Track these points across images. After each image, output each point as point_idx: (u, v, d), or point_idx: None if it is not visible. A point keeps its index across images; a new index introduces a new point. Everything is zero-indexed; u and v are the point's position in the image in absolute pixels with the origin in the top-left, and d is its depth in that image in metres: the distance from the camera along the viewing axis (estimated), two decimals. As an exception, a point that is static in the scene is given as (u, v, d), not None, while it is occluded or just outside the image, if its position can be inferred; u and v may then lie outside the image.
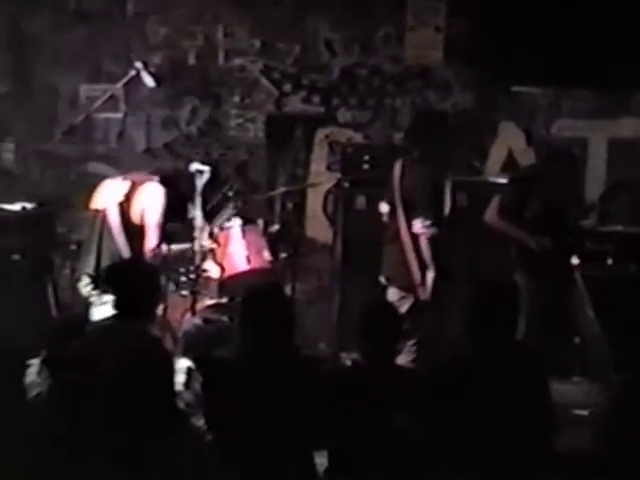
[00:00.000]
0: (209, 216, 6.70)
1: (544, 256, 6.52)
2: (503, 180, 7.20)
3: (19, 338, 5.77)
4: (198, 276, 6.51)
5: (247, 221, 6.84)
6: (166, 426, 4.43)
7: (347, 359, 6.65)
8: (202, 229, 6.51)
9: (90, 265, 6.20)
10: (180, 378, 5.16)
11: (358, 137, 8.32)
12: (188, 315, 6.43)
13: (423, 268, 6.26)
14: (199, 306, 6.49)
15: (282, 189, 7.87)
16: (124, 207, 6.23)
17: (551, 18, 7.62)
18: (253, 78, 8.36)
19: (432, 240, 6.23)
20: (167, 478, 4.42)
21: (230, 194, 7.09)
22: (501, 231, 6.65)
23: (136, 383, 4.39)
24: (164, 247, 6.24)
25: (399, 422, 4.49)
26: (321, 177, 8.21)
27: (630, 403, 3.96)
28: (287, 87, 8.34)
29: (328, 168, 8.31)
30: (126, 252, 6.14)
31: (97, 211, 6.31)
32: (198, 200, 6.52)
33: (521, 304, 6.28)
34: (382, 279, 6.50)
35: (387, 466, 4.44)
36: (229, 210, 6.84)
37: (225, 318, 6.29)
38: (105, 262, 6.06)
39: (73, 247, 6.45)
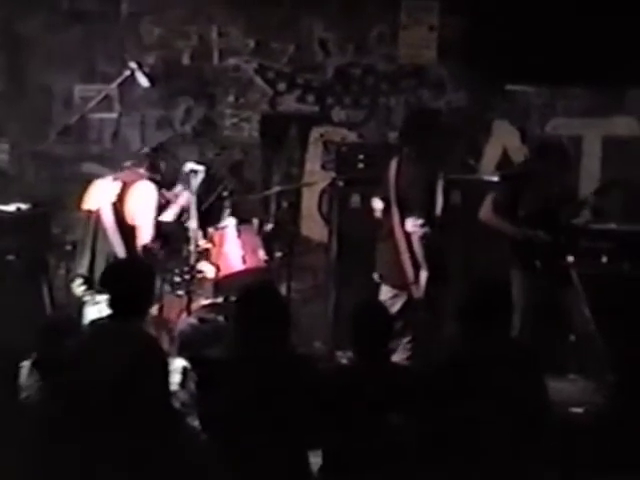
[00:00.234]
0: (204, 216, 6.71)
1: (539, 253, 6.52)
2: (496, 178, 7.21)
3: (14, 339, 5.77)
4: (193, 276, 6.52)
5: (242, 220, 6.85)
6: (161, 426, 4.44)
7: (343, 357, 6.66)
8: (197, 229, 6.51)
9: (84, 266, 6.20)
10: (176, 378, 5.17)
11: (352, 136, 8.32)
12: (184, 315, 6.44)
13: (416, 267, 6.27)
14: (195, 306, 6.50)
15: (277, 188, 7.88)
16: (117, 207, 6.24)
17: (545, 17, 7.62)
18: (247, 78, 8.36)
19: (425, 239, 6.24)
20: (163, 478, 4.42)
21: (225, 194, 7.10)
22: (496, 228, 6.65)
23: (131, 382, 4.39)
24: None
25: (393, 421, 4.49)
26: (316, 176, 8.21)
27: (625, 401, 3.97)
28: (281, 86, 8.34)
29: (323, 167, 8.31)
30: (121, 252, 6.14)
31: (90, 212, 6.31)
32: (193, 200, 6.53)
33: (516, 301, 6.35)
34: (375, 277, 6.51)
35: (381, 465, 4.44)
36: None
37: (221, 318, 6.29)
38: (99, 263, 6.07)
39: (68, 248, 6.45)
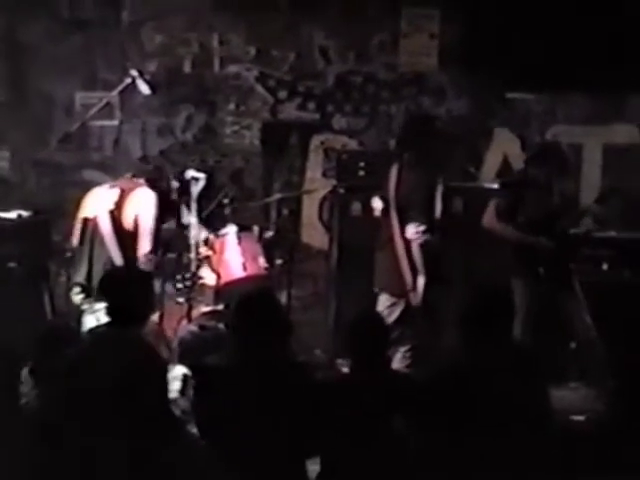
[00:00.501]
0: (204, 223, 6.71)
1: (541, 260, 6.52)
2: (496, 185, 7.21)
3: (15, 345, 5.76)
4: (194, 283, 6.52)
5: (243, 228, 6.85)
6: (161, 433, 4.43)
7: (343, 365, 6.65)
8: (198, 236, 6.51)
9: (82, 274, 6.19)
10: (176, 385, 5.16)
11: (353, 144, 8.33)
12: (184, 322, 6.43)
13: (414, 273, 6.26)
14: (195, 313, 6.49)
15: (277, 196, 7.88)
16: (115, 215, 6.22)
17: (545, 24, 7.63)
18: (248, 85, 8.37)
19: (425, 246, 6.23)
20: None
21: (226, 201, 7.11)
22: (499, 235, 6.63)
23: (129, 390, 4.38)
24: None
25: (392, 428, 4.49)
26: (316, 184, 8.22)
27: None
28: (282, 94, 8.36)
29: (323, 175, 8.32)
30: (119, 260, 6.13)
31: (87, 220, 6.30)
32: (193, 207, 6.53)
33: (517, 308, 6.34)
34: (374, 285, 6.51)
35: (380, 473, 4.44)
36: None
37: (221, 325, 6.29)
38: (97, 270, 6.06)
39: (69, 255, 6.45)
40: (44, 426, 4.48)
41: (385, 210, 6.41)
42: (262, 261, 6.81)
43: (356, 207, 7.65)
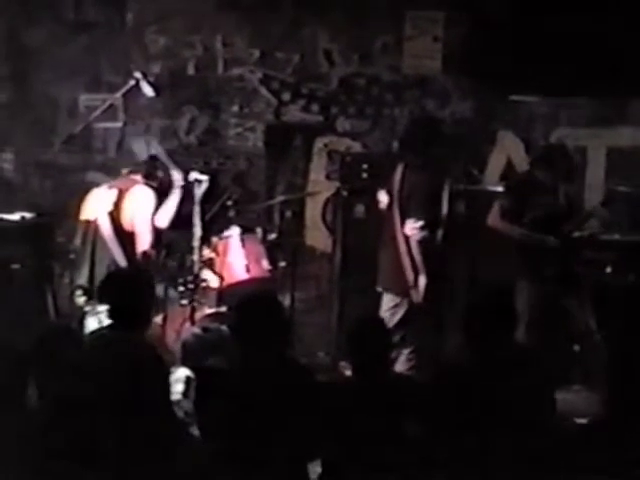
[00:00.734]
0: (208, 225, 6.72)
1: (546, 261, 6.50)
2: (501, 188, 7.21)
3: (19, 347, 5.76)
4: (197, 285, 6.52)
5: (246, 230, 6.85)
6: (163, 435, 4.43)
7: (346, 368, 6.65)
8: (201, 238, 6.52)
9: (83, 276, 6.20)
10: (179, 387, 5.16)
11: (357, 146, 8.33)
12: (187, 324, 6.43)
13: (416, 272, 6.26)
14: (198, 315, 6.49)
15: (281, 198, 7.89)
16: (114, 215, 6.23)
17: (549, 28, 7.63)
18: (252, 87, 8.38)
19: (425, 245, 6.23)
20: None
21: (229, 203, 7.11)
22: (504, 234, 6.62)
23: (131, 392, 4.38)
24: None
25: (395, 431, 4.49)
26: (320, 186, 8.22)
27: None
28: (286, 96, 8.36)
29: (327, 177, 8.32)
30: (121, 260, 6.14)
31: (88, 222, 6.30)
32: (197, 209, 6.53)
33: (521, 310, 6.34)
34: (378, 285, 6.51)
35: (382, 475, 4.43)
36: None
37: (224, 327, 6.29)
38: (99, 272, 6.06)
39: (72, 256, 6.46)
40: (46, 428, 4.47)
41: (389, 205, 6.41)
42: (265, 263, 6.81)
43: (359, 209, 7.65)
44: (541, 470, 4.43)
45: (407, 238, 6.26)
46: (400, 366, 6.11)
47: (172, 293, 6.62)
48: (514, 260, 6.64)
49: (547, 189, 6.54)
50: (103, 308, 4.94)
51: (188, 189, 6.58)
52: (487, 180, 8.08)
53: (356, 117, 8.33)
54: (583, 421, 5.52)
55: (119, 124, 8.20)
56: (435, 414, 4.57)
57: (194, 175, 6.66)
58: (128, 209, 6.25)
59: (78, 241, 6.35)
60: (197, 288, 6.53)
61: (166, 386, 4.64)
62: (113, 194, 6.30)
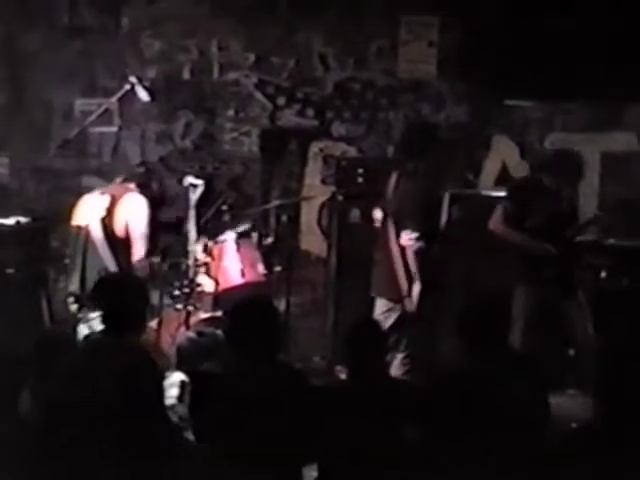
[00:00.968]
0: (203, 230, 6.71)
1: (545, 267, 6.50)
2: (499, 192, 7.22)
3: (14, 352, 5.76)
4: (192, 290, 6.51)
5: (241, 234, 6.85)
6: (157, 440, 4.42)
7: (341, 372, 6.65)
8: (196, 242, 6.52)
9: (75, 283, 6.19)
10: (173, 392, 5.16)
11: (352, 150, 8.33)
12: (182, 329, 6.43)
13: (410, 280, 6.26)
14: (193, 320, 6.49)
15: (276, 202, 7.88)
16: (106, 222, 6.21)
17: (544, 32, 7.64)
18: (247, 92, 8.38)
19: (420, 253, 6.23)
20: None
21: (224, 208, 7.11)
22: (505, 239, 6.62)
23: (124, 398, 4.37)
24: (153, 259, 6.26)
25: (391, 435, 4.49)
26: (315, 190, 8.22)
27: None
28: (281, 101, 8.36)
29: (322, 181, 8.32)
30: (113, 267, 6.13)
31: (79, 228, 6.29)
32: (192, 214, 6.53)
33: (519, 314, 6.35)
34: (371, 290, 6.51)
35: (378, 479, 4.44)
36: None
37: (219, 331, 6.28)
38: (91, 279, 6.02)
39: (67, 261, 6.45)
40: (40, 434, 4.47)
41: (384, 218, 6.42)
42: (261, 268, 6.80)
43: (355, 214, 7.66)
44: (536, 475, 4.44)
45: (402, 247, 6.26)
46: (394, 370, 6.11)
47: (167, 298, 6.61)
48: (513, 264, 6.64)
49: (551, 194, 6.53)
50: (95, 315, 4.93)
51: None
52: (482, 185, 8.09)
53: (351, 122, 8.34)
54: (577, 425, 5.53)
55: (114, 129, 8.20)
56: (430, 418, 4.58)
57: (189, 179, 6.66)
58: (121, 216, 6.23)
59: (70, 247, 6.33)
60: (192, 292, 6.52)
61: (160, 391, 4.63)
62: (105, 200, 6.28)
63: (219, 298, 6.68)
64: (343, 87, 8.33)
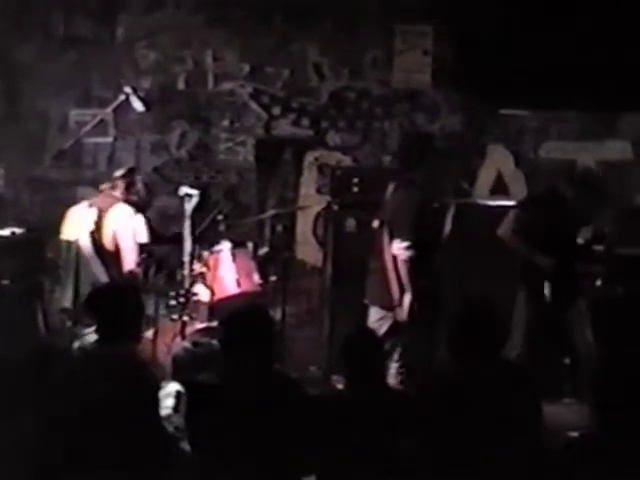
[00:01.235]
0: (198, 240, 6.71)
1: (549, 277, 6.51)
2: (498, 202, 7.25)
3: (9, 363, 5.74)
4: (188, 300, 6.51)
5: (237, 244, 6.85)
6: (153, 451, 4.41)
7: (338, 382, 6.64)
8: (191, 252, 6.51)
9: (68, 298, 6.17)
10: (169, 402, 5.15)
11: (347, 160, 8.33)
12: (178, 339, 6.42)
13: (402, 289, 6.26)
14: (189, 330, 6.48)
15: (272, 212, 7.88)
16: (95, 236, 6.20)
17: (539, 41, 7.65)
18: (242, 102, 8.38)
19: (412, 262, 6.22)
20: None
21: (220, 217, 7.11)
22: (511, 247, 6.62)
23: (120, 408, 4.36)
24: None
25: (388, 445, 4.48)
26: (311, 200, 8.22)
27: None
28: (276, 110, 8.37)
29: (318, 191, 8.32)
30: (105, 280, 6.13)
31: (69, 242, 6.27)
32: (187, 224, 6.53)
33: (518, 322, 6.35)
34: (365, 298, 6.51)
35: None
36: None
37: (215, 341, 6.27)
38: (84, 294, 5.99)
39: (62, 272, 6.44)
40: (35, 443, 4.46)
41: (380, 226, 6.43)
42: (256, 277, 6.81)
43: (350, 223, 7.66)
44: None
45: (394, 256, 6.26)
46: (390, 379, 6.10)
47: (163, 308, 6.61)
48: (514, 272, 6.65)
49: (565, 208, 6.52)
50: (89, 330, 4.92)
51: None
52: (477, 193, 8.10)
53: (346, 131, 8.34)
54: (574, 434, 5.53)
55: (109, 139, 8.20)
56: (426, 427, 4.57)
57: (185, 189, 6.66)
58: (109, 228, 6.22)
59: (61, 262, 6.31)
60: (188, 302, 6.52)
61: (155, 401, 4.62)
62: (93, 213, 6.26)
63: (215, 308, 6.68)
64: (338, 97, 8.33)
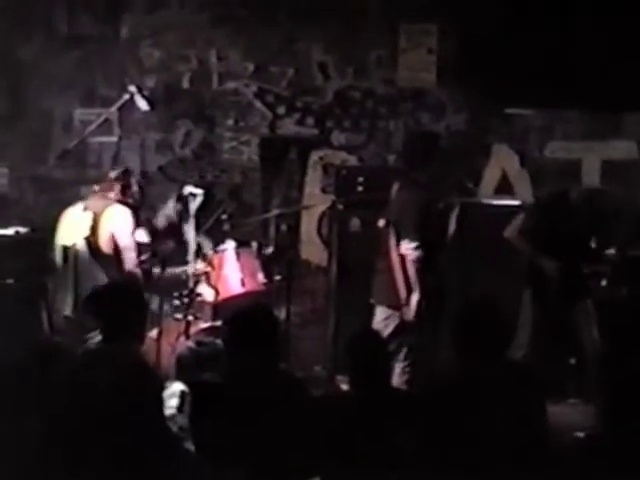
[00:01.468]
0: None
1: (555, 279, 6.50)
2: (504, 201, 7.24)
3: (12, 362, 5.74)
4: (192, 299, 6.50)
5: (241, 244, 6.84)
6: (157, 451, 4.40)
7: (342, 382, 6.63)
8: (196, 252, 6.50)
9: (68, 306, 6.14)
10: (173, 402, 5.14)
11: (352, 159, 8.32)
12: (182, 339, 6.41)
13: (409, 289, 6.25)
14: (193, 329, 6.48)
15: (276, 211, 7.87)
16: (91, 240, 6.14)
17: (544, 40, 7.64)
18: (247, 101, 8.38)
19: (420, 262, 6.22)
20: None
21: (224, 217, 7.10)
22: (517, 248, 6.62)
23: (123, 409, 4.35)
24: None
25: (391, 446, 4.47)
26: (315, 199, 8.21)
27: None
28: (281, 110, 8.36)
29: (322, 190, 8.31)
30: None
31: (66, 248, 6.23)
32: (192, 223, 6.52)
33: (524, 322, 6.35)
34: (372, 298, 6.50)
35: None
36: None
37: (219, 341, 6.26)
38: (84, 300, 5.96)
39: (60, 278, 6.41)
40: (39, 444, 4.46)
41: (386, 226, 6.42)
42: (261, 277, 6.80)
43: (355, 223, 7.65)
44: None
45: (402, 256, 6.25)
46: (395, 379, 6.10)
47: (167, 307, 6.60)
48: (520, 272, 6.64)
49: (577, 212, 6.52)
50: (93, 334, 4.90)
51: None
52: (482, 193, 8.08)
53: (351, 130, 8.33)
54: (580, 435, 5.52)
55: (114, 138, 8.14)
56: (430, 427, 4.56)
57: (189, 189, 6.65)
58: (105, 230, 6.15)
59: (59, 268, 6.27)
60: (192, 302, 6.51)
61: (159, 401, 4.61)
62: (88, 217, 6.19)
63: (219, 307, 6.67)
64: (343, 96, 8.32)
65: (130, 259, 6.15)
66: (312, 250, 8.29)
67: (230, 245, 6.75)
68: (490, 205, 7.61)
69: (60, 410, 4.47)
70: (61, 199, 8.08)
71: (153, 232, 6.64)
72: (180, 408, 5.15)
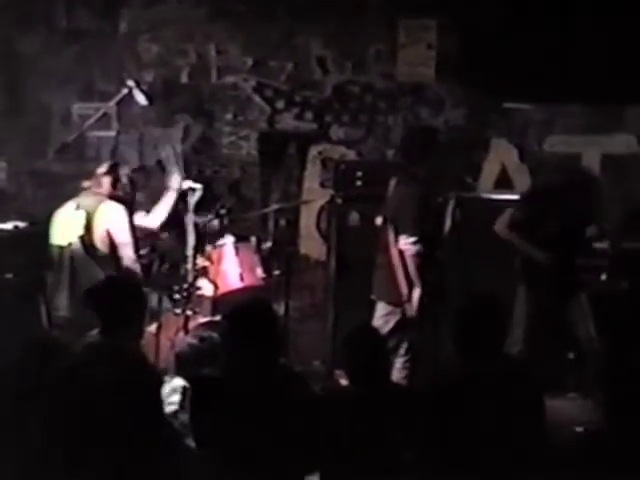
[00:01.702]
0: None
1: (549, 271, 6.49)
2: (501, 195, 7.22)
3: (11, 357, 5.74)
4: (191, 294, 6.50)
5: (240, 238, 6.84)
6: (157, 447, 4.40)
7: (341, 376, 6.63)
8: (195, 246, 6.50)
9: (64, 307, 6.11)
10: (175, 398, 5.13)
11: (351, 154, 8.32)
12: (181, 334, 6.41)
13: (410, 284, 6.25)
14: (192, 324, 6.48)
15: (275, 206, 7.87)
16: (86, 239, 6.09)
17: (543, 34, 7.63)
18: (246, 95, 8.37)
19: (419, 257, 6.21)
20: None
21: (223, 212, 7.10)
22: (508, 242, 6.62)
23: (122, 404, 4.35)
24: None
25: (391, 442, 4.47)
26: (314, 194, 8.21)
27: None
28: (280, 104, 8.35)
29: (321, 185, 8.31)
30: None
31: (61, 247, 6.20)
32: (191, 217, 6.52)
33: (519, 318, 6.34)
34: (372, 294, 6.50)
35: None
36: None
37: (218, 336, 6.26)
38: (80, 301, 5.92)
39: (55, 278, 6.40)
40: (38, 439, 4.46)
41: (384, 221, 6.42)
42: (260, 272, 6.80)
43: (354, 217, 7.65)
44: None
45: (401, 251, 6.25)
46: (395, 374, 6.10)
47: (166, 302, 6.60)
48: (515, 267, 6.63)
49: (566, 204, 6.50)
50: (92, 334, 4.89)
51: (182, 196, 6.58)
52: (481, 187, 8.08)
53: (350, 125, 8.33)
54: (579, 429, 5.52)
55: (113, 133, 8.15)
56: (429, 423, 4.56)
57: (188, 183, 6.64)
58: (100, 228, 6.09)
59: (54, 268, 6.24)
60: (191, 297, 6.51)
61: (158, 396, 4.61)
62: (81, 216, 6.14)
63: (218, 302, 6.67)
64: (342, 90, 8.31)
65: (128, 255, 6.10)
66: (311, 245, 8.29)
67: (229, 240, 6.75)
68: (489, 199, 7.60)
69: (59, 404, 4.47)
70: (60, 193, 8.08)
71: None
72: (182, 404, 5.15)
